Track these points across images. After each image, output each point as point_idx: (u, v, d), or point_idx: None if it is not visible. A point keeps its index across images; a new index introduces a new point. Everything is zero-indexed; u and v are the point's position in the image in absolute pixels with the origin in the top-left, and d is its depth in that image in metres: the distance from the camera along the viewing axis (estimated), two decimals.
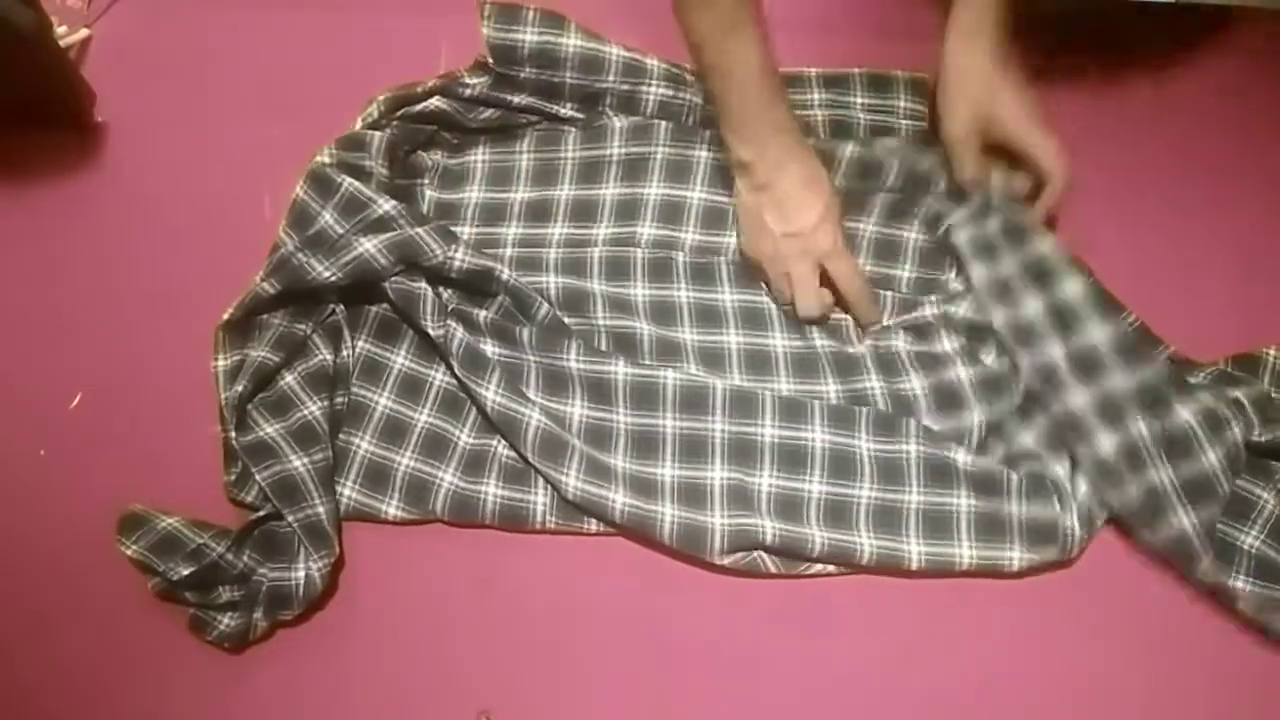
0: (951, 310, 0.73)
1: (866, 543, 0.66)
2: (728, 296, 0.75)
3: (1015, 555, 0.66)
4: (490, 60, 0.79)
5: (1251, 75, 0.85)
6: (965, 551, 0.66)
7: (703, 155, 0.79)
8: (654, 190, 0.78)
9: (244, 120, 0.85)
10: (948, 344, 0.73)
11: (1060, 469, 0.68)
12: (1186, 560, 0.64)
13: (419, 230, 0.70)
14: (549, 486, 0.69)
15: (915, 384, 0.71)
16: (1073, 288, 0.67)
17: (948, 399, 0.70)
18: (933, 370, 0.72)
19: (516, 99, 0.80)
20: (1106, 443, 0.65)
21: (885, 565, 0.66)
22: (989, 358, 0.72)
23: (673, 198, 0.78)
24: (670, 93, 0.80)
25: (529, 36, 0.78)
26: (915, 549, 0.66)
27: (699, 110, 0.80)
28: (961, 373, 0.71)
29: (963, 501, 0.67)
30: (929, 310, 0.74)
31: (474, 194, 0.80)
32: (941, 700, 0.65)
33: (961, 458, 0.68)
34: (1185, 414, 0.65)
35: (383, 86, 0.79)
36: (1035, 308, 0.68)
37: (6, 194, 0.84)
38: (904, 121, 0.81)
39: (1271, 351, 0.70)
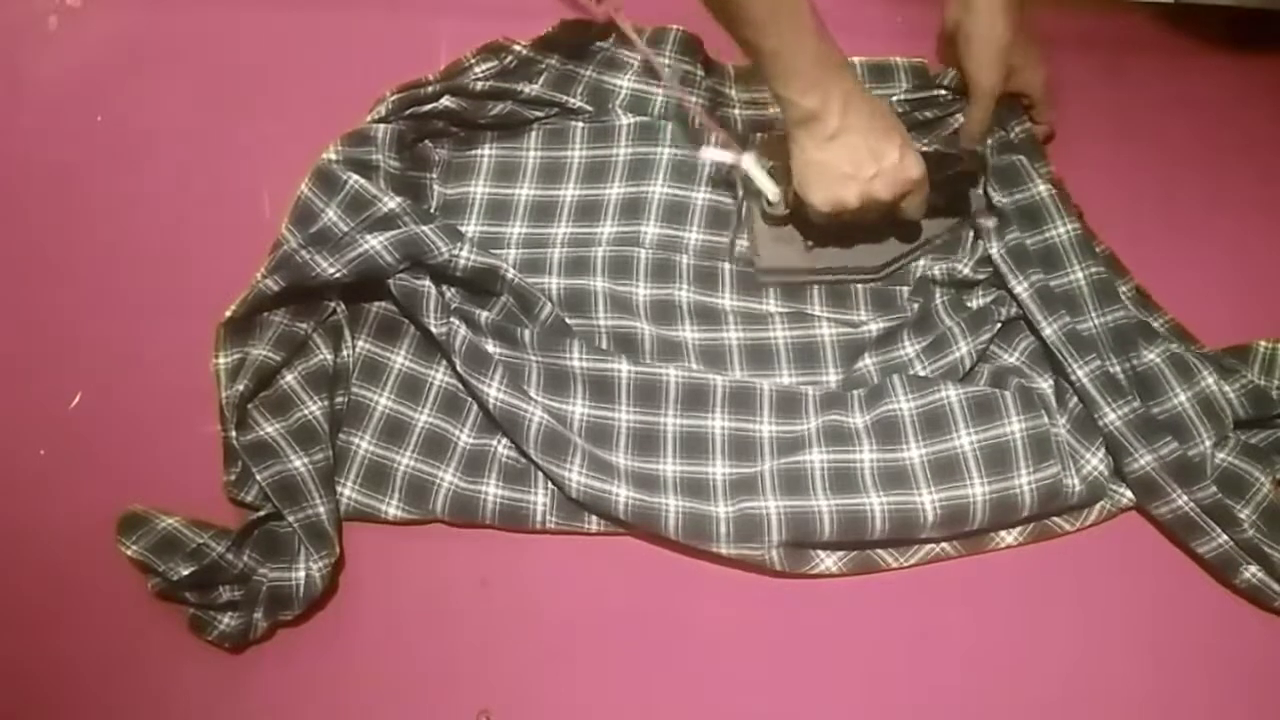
0: (952, 269, 0.74)
1: (877, 502, 0.65)
2: (728, 301, 0.75)
3: (1024, 482, 0.66)
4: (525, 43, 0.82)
5: (1251, 75, 0.85)
6: (977, 490, 0.66)
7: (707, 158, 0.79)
8: (658, 189, 0.78)
9: (244, 120, 0.85)
10: (938, 298, 0.74)
11: (1045, 384, 0.70)
12: (1186, 479, 0.65)
13: (424, 228, 0.70)
14: (549, 487, 0.69)
15: (910, 349, 0.72)
16: (1061, 230, 0.72)
17: (937, 344, 0.72)
18: (926, 329, 0.73)
19: (527, 89, 0.80)
20: (1081, 371, 0.67)
21: (900, 525, 0.65)
22: (974, 301, 0.74)
23: (677, 198, 0.78)
24: (677, 94, 0.80)
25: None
26: (928, 498, 0.66)
27: (705, 112, 0.80)
28: (949, 321, 0.73)
29: (964, 440, 0.67)
30: (936, 269, 0.75)
31: (479, 189, 0.80)
32: (943, 698, 0.65)
33: (954, 394, 0.69)
34: (1151, 355, 0.68)
35: (383, 86, 0.79)
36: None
37: (5, 193, 0.83)
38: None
39: (1263, 343, 0.71)
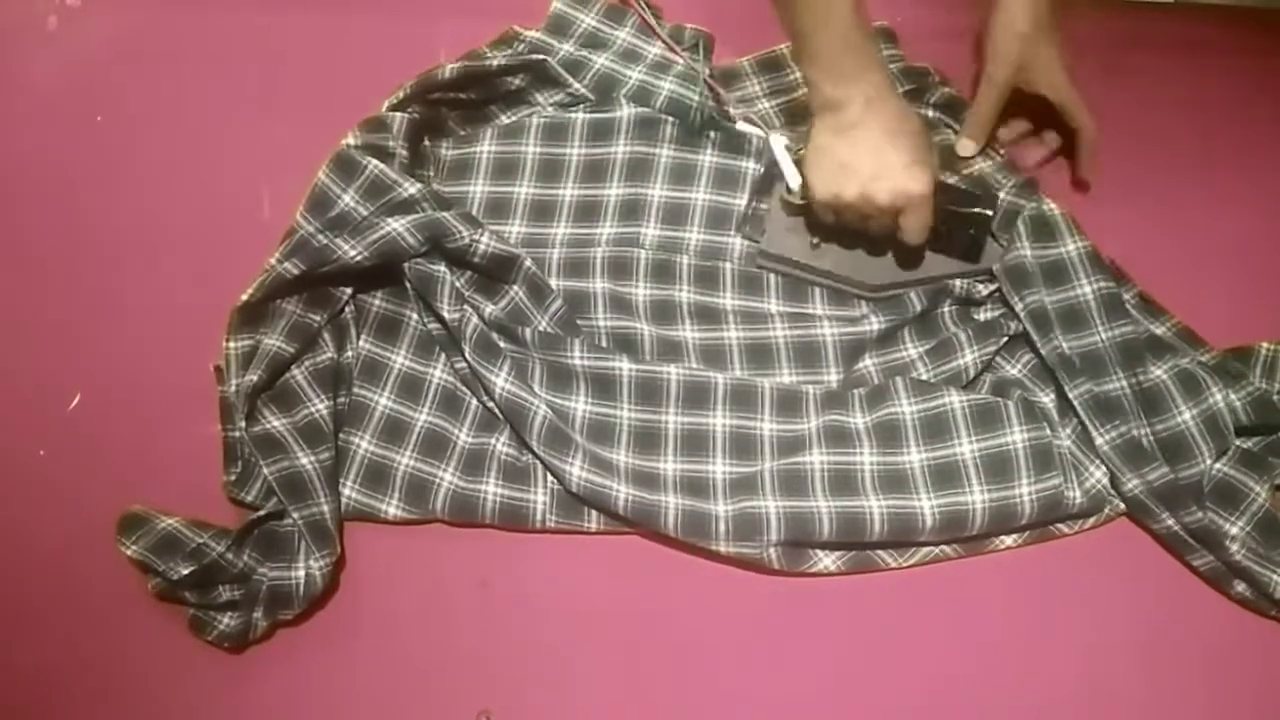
0: (971, 286, 0.74)
1: (876, 505, 0.66)
2: (729, 301, 0.75)
3: (1025, 492, 0.66)
4: (538, 27, 0.83)
5: (1252, 75, 0.85)
6: (977, 497, 0.66)
7: (706, 159, 0.79)
8: (657, 192, 0.78)
9: (244, 120, 0.85)
10: (945, 308, 0.74)
11: (1047, 399, 0.70)
12: (1174, 504, 0.65)
13: (444, 214, 0.71)
14: (549, 485, 0.69)
15: (912, 351, 0.72)
16: (1071, 246, 0.71)
17: (941, 349, 0.72)
18: (929, 332, 0.73)
19: (541, 58, 0.82)
20: (1073, 394, 0.67)
21: (899, 528, 0.65)
22: (982, 314, 0.74)
23: (676, 199, 0.78)
24: (682, 91, 0.80)
25: (588, 19, 0.84)
26: (927, 503, 0.66)
27: (705, 111, 0.80)
28: (954, 328, 0.73)
29: (965, 447, 0.67)
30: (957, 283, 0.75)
31: (478, 187, 0.80)
32: (941, 698, 0.65)
33: (957, 400, 0.69)
34: (1158, 371, 0.68)
35: (382, 88, 0.79)
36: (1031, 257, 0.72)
37: (5, 193, 0.83)
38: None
39: (1265, 345, 0.71)
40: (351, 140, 0.75)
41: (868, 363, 0.72)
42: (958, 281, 0.73)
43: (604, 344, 0.73)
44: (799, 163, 0.72)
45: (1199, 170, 0.81)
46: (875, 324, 0.73)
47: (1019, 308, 0.70)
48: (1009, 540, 0.68)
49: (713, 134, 0.80)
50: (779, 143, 0.74)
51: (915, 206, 0.67)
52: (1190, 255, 0.77)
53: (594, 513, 0.69)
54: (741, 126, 0.77)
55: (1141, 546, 0.68)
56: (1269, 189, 0.80)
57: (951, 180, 0.74)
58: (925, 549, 0.68)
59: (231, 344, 0.69)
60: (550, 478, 0.69)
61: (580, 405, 0.71)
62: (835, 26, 0.63)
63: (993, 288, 0.73)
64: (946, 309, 0.74)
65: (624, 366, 0.70)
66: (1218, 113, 0.84)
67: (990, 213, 0.71)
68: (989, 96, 0.75)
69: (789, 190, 0.74)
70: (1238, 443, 0.68)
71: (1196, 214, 0.79)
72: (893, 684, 0.65)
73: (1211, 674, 0.65)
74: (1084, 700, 0.64)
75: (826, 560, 0.67)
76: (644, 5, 0.84)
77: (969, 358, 0.71)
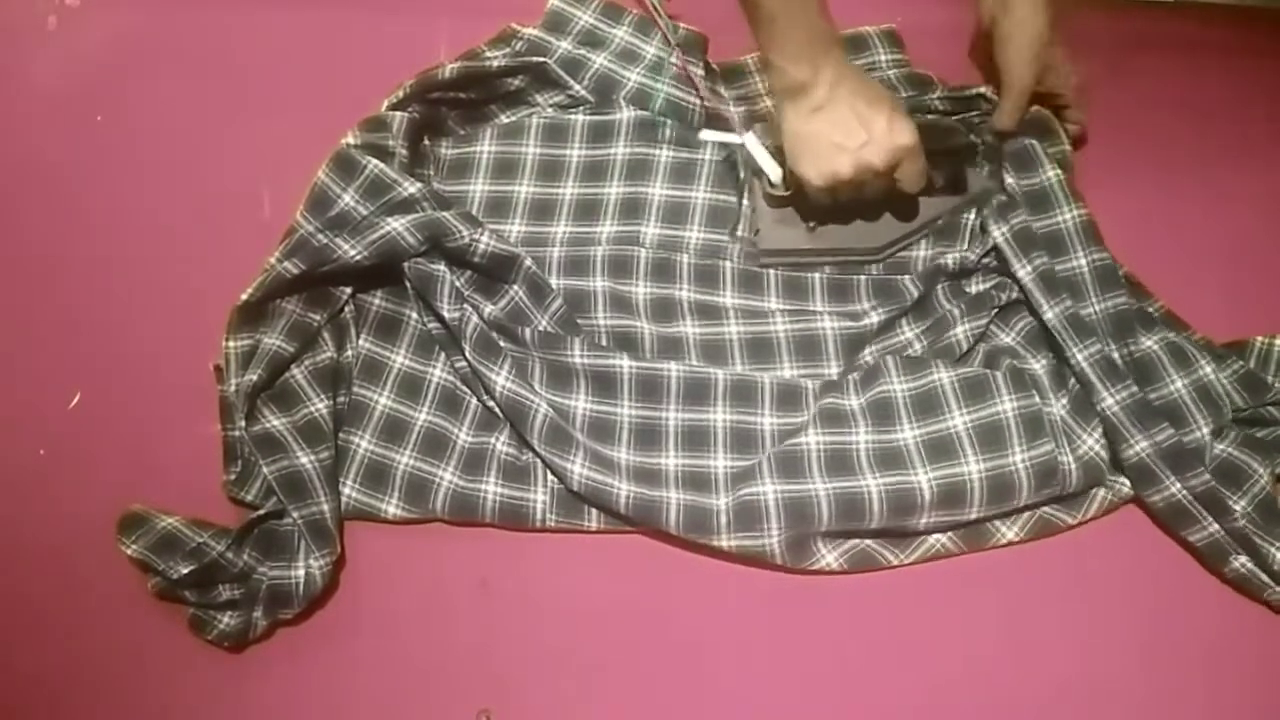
0: (964, 259, 0.74)
1: (873, 484, 0.66)
2: (729, 299, 0.76)
3: (1018, 459, 0.66)
4: (536, 24, 0.83)
5: (1252, 75, 0.85)
6: (973, 467, 0.66)
7: (706, 159, 0.79)
8: (657, 191, 0.78)
9: (244, 120, 0.86)
10: (940, 285, 0.74)
11: (1038, 366, 0.71)
12: (1180, 466, 0.65)
13: (444, 213, 0.71)
14: (549, 484, 0.69)
15: (909, 333, 0.73)
16: (1068, 215, 0.73)
17: (937, 327, 0.72)
18: (925, 314, 0.73)
19: (539, 59, 0.82)
20: (1081, 355, 0.68)
21: (898, 505, 0.66)
22: (973, 287, 0.74)
23: (676, 198, 0.78)
24: (680, 94, 0.81)
25: (586, 17, 0.84)
26: (924, 477, 0.66)
27: (703, 113, 0.80)
28: (948, 305, 0.73)
29: (958, 420, 0.68)
30: (949, 258, 0.75)
31: (479, 186, 0.80)
32: (943, 696, 0.65)
33: (946, 375, 0.69)
34: (1149, 342, 0.70)
35: (382, 87, 0.79)
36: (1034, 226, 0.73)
37: (5, 193, 0.83)
38: (890, 72, 0.83)
39: (1260, 339, 0.71)
40: (351, 139, 0.75)
41: (866, 355, 0.72)
42: (950, 256, 0.74)
43: (604, 342, 0.73)
44: (777, 155, 0.72)
45: (1198, 169, 0.81)
46: (875, 318, 0.73)
47: (1025, 271, 0.70)
48: (1010, 533, 0.68)
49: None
50: (754, 141, 0.74)
51: (909, 157, 0.69)
52: (1189, 253, 0.78)
53: (594, 512, 0.69)
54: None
55: (1141, 542, 0.68)
56: (1268, 188, 0.81)
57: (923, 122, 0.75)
58: (926, 544, 0.68)
59: (231, 343, 0.69)
60: (550, 477, 0.69)
61: (581, 403, 0.71)
62: (804, 12, 0.64)
63: (982, 253, 0.73)
64: (940, 286, 0.74)
65: (624, 364, 0.71)
66: (1217, 113, 0.84)
67: (974, 139, 0.74)
68: (1015, 103, 0.75)
69: (771, 184, 0.75)
70: (1243, 431, 0.68)
71: (1195, 213, 0.79)
72: (894, 682, 0.65)
73: (1211, 669, 0.65)
74: (1084, 697, 0.64)
75: (829, 557, 0.67)
76: None
77: (960, 331, 0.72)
